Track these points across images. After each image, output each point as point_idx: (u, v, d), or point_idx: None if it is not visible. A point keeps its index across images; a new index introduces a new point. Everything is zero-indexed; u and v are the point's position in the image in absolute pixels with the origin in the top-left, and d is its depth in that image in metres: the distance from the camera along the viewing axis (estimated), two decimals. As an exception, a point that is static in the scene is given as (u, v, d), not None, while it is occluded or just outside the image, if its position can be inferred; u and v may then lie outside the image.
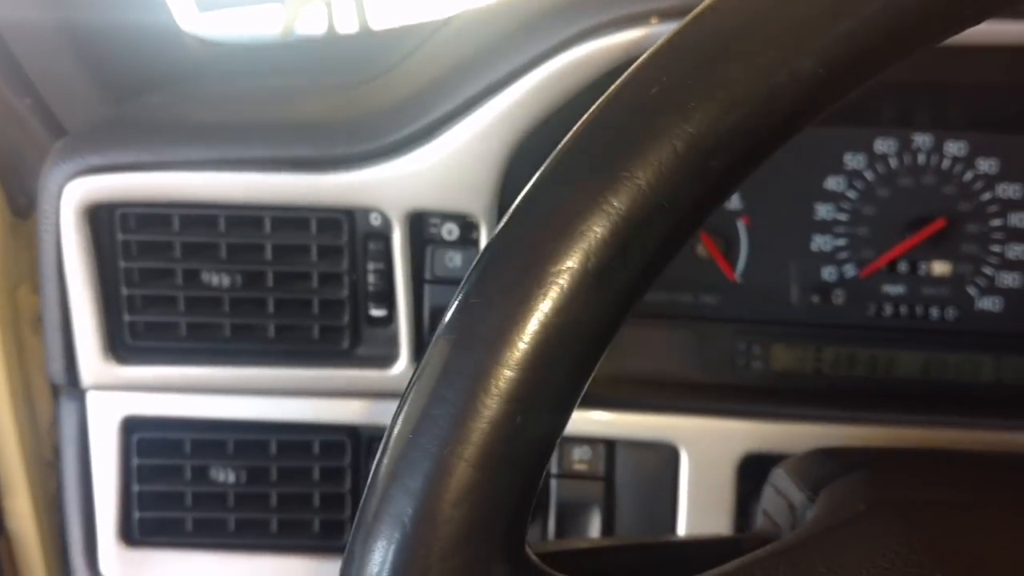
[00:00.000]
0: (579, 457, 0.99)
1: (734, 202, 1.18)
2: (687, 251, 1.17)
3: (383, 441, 0.45)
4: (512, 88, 0.88)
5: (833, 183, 1.18)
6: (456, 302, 0.44)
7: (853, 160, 1.18)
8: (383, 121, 0.94)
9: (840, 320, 1.17)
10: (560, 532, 0.98)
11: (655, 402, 0.99)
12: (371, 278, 0.97)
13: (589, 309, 0.42)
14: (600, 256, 0.44)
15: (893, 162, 1.17)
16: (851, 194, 1.17)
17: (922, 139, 1.17)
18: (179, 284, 0.97)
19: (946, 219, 1.13)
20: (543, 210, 0.43)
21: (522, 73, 0.88)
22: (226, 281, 0.95)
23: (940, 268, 1.16)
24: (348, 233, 0.97)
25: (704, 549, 0.71)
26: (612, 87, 0.47)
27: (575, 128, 0.47)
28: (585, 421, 0.98)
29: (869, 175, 1.17)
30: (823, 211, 1.17)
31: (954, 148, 1.17)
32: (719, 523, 0.95)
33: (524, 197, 0.45)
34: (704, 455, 0.96)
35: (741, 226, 1.18)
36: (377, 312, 1.01)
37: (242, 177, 0.94)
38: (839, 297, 1.17)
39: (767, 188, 1.18)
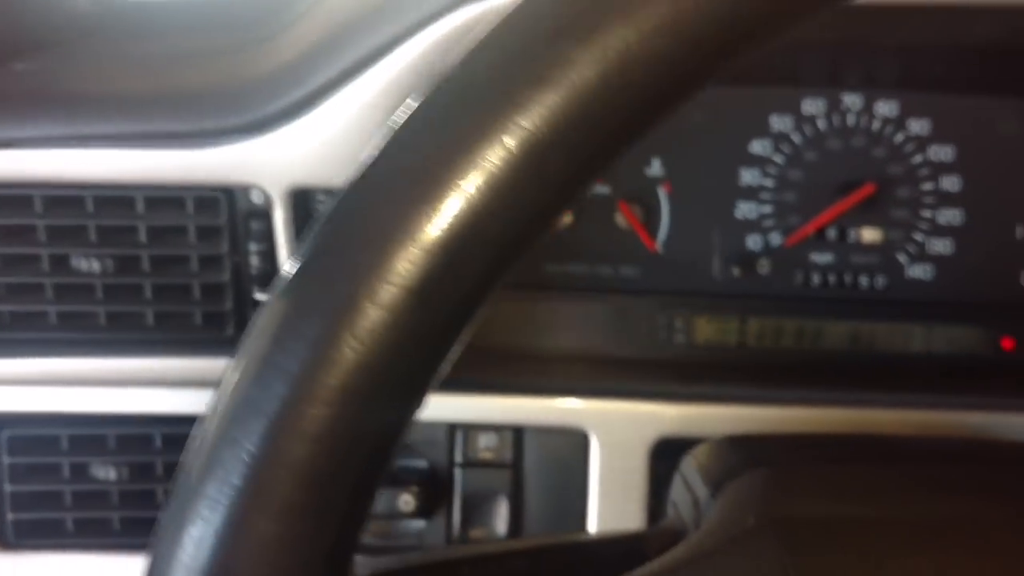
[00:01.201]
0: (485, 444, 0.94)
1: (655, 168, 1.12)
2: (606, 220, 1.11)
3: (192, 443, 0.39)
4: (397, 54, 0.81)
5: (758, 147, 1.13)
6: (275, 297, 0.38)
7: (779, 122, 1.12)
8: (262, 90, 0.87)
9: (766, 290, 1.12)
10: (466, 523, 0.94)
11: (564, 385, 0.93)
12: (254, 260, 0.90)
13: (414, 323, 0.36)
14: (427, 276, 0.37)
15: (821, 124, 1.12)
16: (777, 158, 1.12)
17: (851, 99, 1.12)
18: (46, 270, 0.90)
19: (876, 184, 1.08)
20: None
21: (407, 37, 0.81)
22: (97, 266, 0.88)
23: (870, 235, 1.12)
24: (227, 212, 0.90)
25: (589, 553, 0.66)
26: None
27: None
28: (491, 407, 0.93)
29: (796, 138, 1.12)
30: (748, 176, 1.12)
31: (885, 108, 1.12)
32: (631, 511, 0.91)
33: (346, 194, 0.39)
34: (615, 440, 0.91)
35: (662, 194, 1.12)
36: (262, 296, 0.94)
37: (107, 154, 0.86)
38: (765, 267, 1.12)
39: (689, 153, 1.13)
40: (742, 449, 0.79)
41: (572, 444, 0.96)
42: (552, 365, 1.05)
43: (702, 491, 0.74)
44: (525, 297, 1.15)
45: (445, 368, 0.42)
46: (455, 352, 0.42)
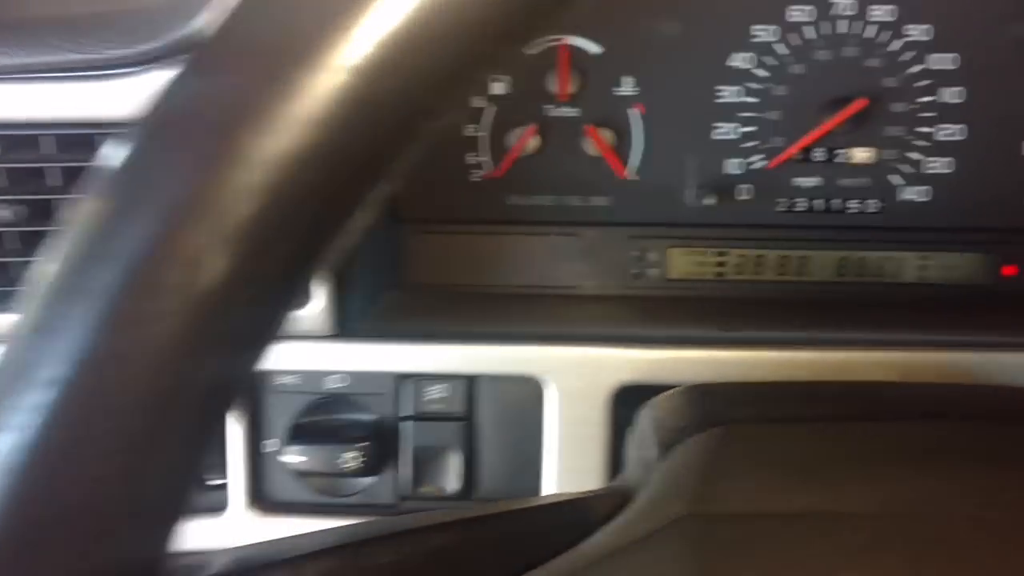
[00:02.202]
0: (435, 395, 0.88)
1: (626, 87, 1.03)
2: (573, 146, 1.04)
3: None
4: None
5: (739, 60, 1.04)
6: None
7: (763, 32, 1.02)
8: (177, 10, 0.77)
9: (746, 219, 1.04)
10: (416, 480, 0.88)
11: (519, 331, 0.86)
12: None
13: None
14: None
15: (809, 32, 1.02)
16: (760, 72, 1.03)
17: (843, 3, 1.00)
18: (-48, 220, 0.83)
19: (868, 98, 0.98)
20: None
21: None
22: (6, 214, 0.80)
23: (861, 155, 1.03)
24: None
25: (523, 525, 0.60)
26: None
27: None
28: (441, 355, 0.87)
29: (781, 49, 1.02)
30: (728, 94, 1.03)
31: (880, 13, 1.02)
32: (590, 465, 0.86)
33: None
34: (572, 388, 0.86)
35: (634, 115, 1.03)
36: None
37: (9, 89, 0.78)
38: (745, 193, 1.04)
39: (663, 70, 1.04)
40: (699, 402, 0.72)
41: (527, 393, 0.89)
42: (509, 308, 0.99)
43: (651, 451, 0.69)
44: (486, 232, 1.07)
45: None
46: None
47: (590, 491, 0.68)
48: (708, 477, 0.54)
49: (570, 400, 0.88)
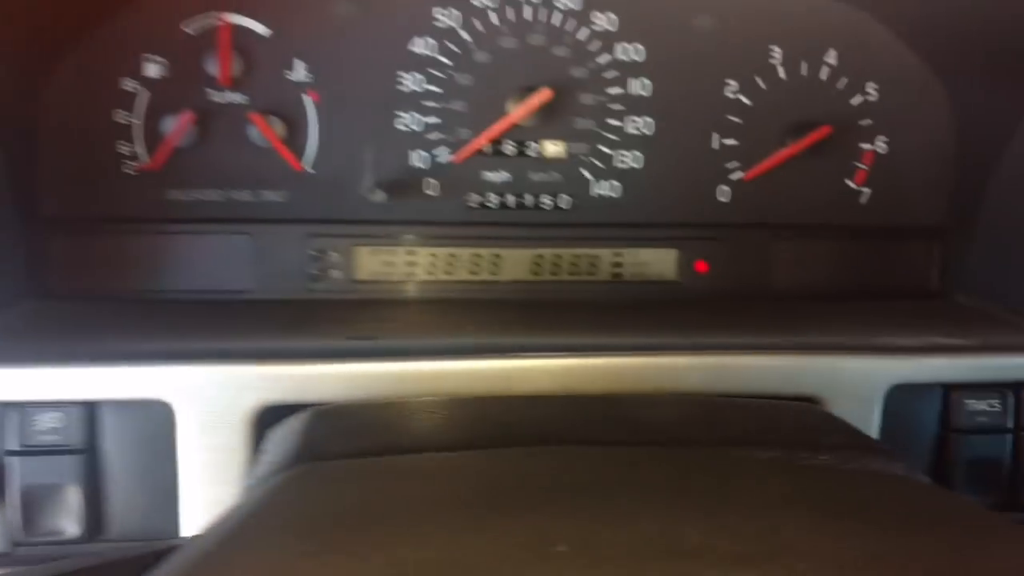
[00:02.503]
0: (47, 426, 0.75)
1: (299, 73, 0.93)
2: (238, 137, 0.93)
3: None
4: None
5: (421, 46, 0.96)
6: None
7: (445, 16, 0.95)
8: None
9: (435, 215, 0.98)
10: (28, 524, 0.76)
11: (143, 349, 0.75)
12: None
13: None
14: None
15: (494, 18, 0.96)
16: (443, 59, 0.95)
17: (527, -12, 0.95)
18: None
19: (555, 89, 0.92)
20: None
21: None
22: None
23: (551, 148, 0.98)
24: None
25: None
26: None
27: None
28: (52, 380, 0.74)
29: (465, 35, 0.94)
30: (410, 81, 0.95)
31: (567, 0, 0.96)
32: (230, 493, 0.74)
33: None
34: (206, 412, 0.75)
35: (308, 103, 0.94)
36: None
37: None
38: (432, 187, 0.96)
39: (340, 54, 0.95)
40: (308, 430, 0.64)
41: (158, 419, 0.78)
42: (149, 320, 0.87)
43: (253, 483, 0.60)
44: (142, 231, 0.95)
45: None
46: None
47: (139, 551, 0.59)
48: (271, 529, 0.46)
49: (206, 425, 0.78)
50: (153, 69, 0.95)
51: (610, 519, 0.47)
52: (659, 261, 1.05)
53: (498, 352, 0.82)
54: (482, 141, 1.00)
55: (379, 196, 0.98)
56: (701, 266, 1.05)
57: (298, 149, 0.98)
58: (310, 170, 0.99)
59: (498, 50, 1.00)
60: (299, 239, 1.00)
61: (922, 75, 1.05)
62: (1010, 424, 0.89)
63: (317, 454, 0.61)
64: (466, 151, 1.00)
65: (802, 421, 0.71)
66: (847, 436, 0.68)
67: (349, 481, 0.54)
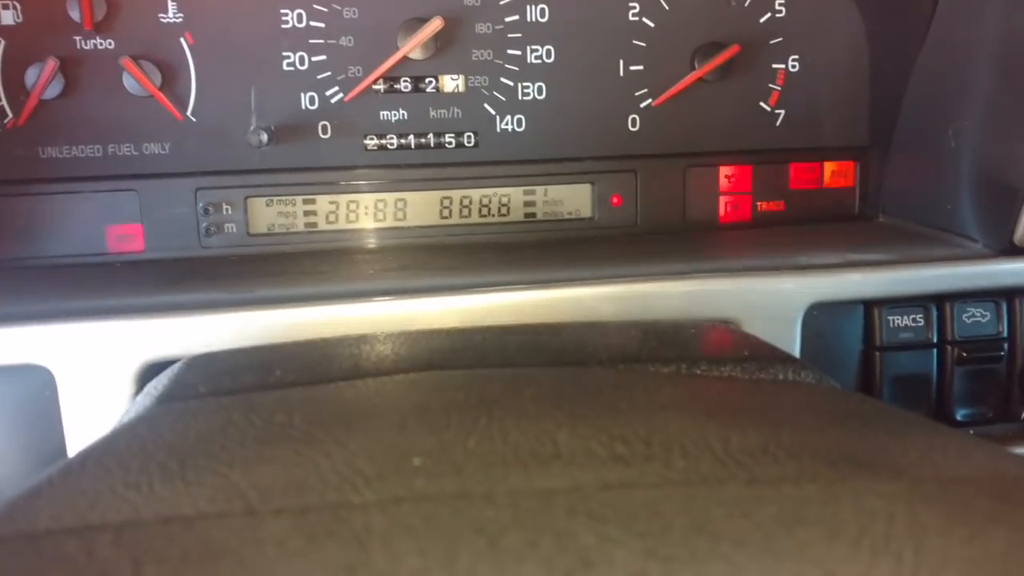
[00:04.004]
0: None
1: (171, 13, 0.87)
2: (111, 86, 0.87)
3: None
4: None
5: (302, -22, 0.90)
6: None
7: (325, -56, 0.90)
8: None
9: (332, 160, 0.94)
10: None
11: (16, 311, 0.70)
12: None
13: None
14: None
15: (377, -55, 0.90)
16: (327, -8, 0.90)
17: (410, -89, 0.91)
18: None
19: (445, 18, 0.88)
20: None
21: None
22: None
23: (450, 83, 0.93)
24: None
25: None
26: None
27: None
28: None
29: None
30: (292, 17, 0.90)
31: (454, -78, 0.92)
32: None
33: None
34: (87, 374, 0.69)
35: (184, 45, 0.88)
36: None
37: None
38: (325, 130, 0.91)
39: (213, -10, 0.89)
40: (179, 375, 0.60)
41: (38, 385, 0.73)
42: (24, 283, 0.81)
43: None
44: (12, 193, 0.89)
45: None
46: None
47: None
48: (112, 477, 0.41)
49: (85, 388, 0.73)
50: (7, 15, 0.89)
51: (477, 432, 0.43)
52: (573, 197, 1.02)
53: (399, 293, 0.78)
54: (373, 78, 0.95)
55: (262, 140, 0.92)
56: (616, 200, 1.02)
57: (178, 96, 0.93)
58: (192, 118, 0.94)
59: (385, -20, 0.95)
60: (187, 193, 0.94)
61: (830, -12, 1.02)
62: (934, 338, 0.87)
63: (182, 395, 0.57)
64: (357, 89, 0.95)
65: (709, 338, 0.69)
66: (755, 348, 0.65)
67: (200, 416, 0.50)
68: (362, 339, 0.66)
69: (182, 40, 0.92)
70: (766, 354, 0.64)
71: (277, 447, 0.43)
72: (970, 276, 0.87)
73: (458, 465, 0.39)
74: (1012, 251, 0.87)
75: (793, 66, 1.03)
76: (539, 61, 0.99)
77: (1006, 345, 0.89)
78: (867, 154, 1.06)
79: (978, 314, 0.89)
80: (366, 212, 0.98)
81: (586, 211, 1.02)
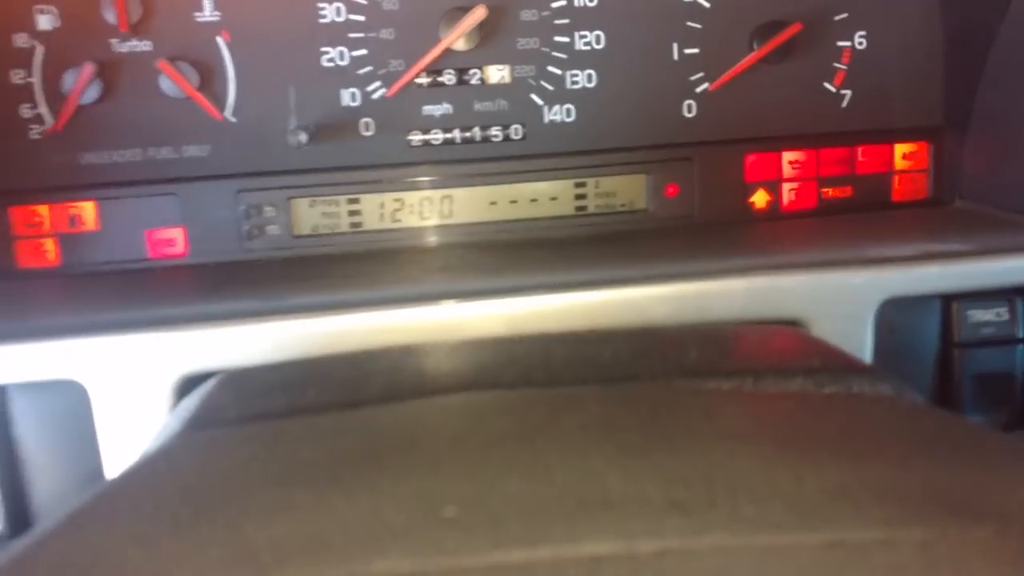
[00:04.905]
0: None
1: (207, 11, 0.83)
2: (149, 88, 0.84)
3: None
4: None
5: (339, -30, 0.86)
6: None
7: (362, -66, 0.86)
8: None
9: (375, 158, 0.91)
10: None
11: (50, 324, 0.67)
12: None
13: None
14: None
15: (417, -69, 0.86)
16: (364, -16, 0.86)
17: None
18: None
19: (488, 6, 0.83)
20: None
21: None
22: None
23: (496, 74, 0.88)
24: None
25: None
26: None
27: None
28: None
29: None
30: (331, 12, 0.86)
31: (495, -95, 0.87)
32: None
33: None
34: (122, 390, 0.67)
35: (222, 44, 0.85)
36: None
37: None
38: (368, 127, 0.87)
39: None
40: (211, 396, 0.56)
41: (73, 399, 0.71)
42: (62, 294, 0.79)
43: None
44: (56, 201, 0.87)
45: None
46: None
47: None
48: (128, 506, 0.38)
49: (122, 404, 0.71)
50: (46, 21, 0.86)
51: (518, 472, 0.39)
52: (626, 189, 0.96)
53: (443, 298, 0.74)
54: (416, 71, 0.91)
55: (301, 140, 0.88)
56: (672, 190, 0.96)
57: (217, 97, 0.90)
58: (232, 119, 0.90)
59: (424, -33, 0.90)
60: (229, 195, 0.91)
61: (899, -42, 0.94)
62: (1019, 334, 0.80)
63: (210, 421, 0.53)
64: (400, 83, 0.91)
65: (774, 345, 0.63)
66: (826, 358, 0.60)
67: (223, 450, 0.46)
68: (400, 353, 0.61)
69: (219, 39, 0.89)
70: (839, 364, 0.58)
71: (300, 490, 0.39)
72: (1059, 266, 0.79)
73: (496, 516, 0.35)
74: (1105, 238, 0.80)
75: (860, 43, 0.96)
76: (588, 48, 0.93)
77: (1097, 339, 0.81)
78: (942, 135, 0.98)
79: (1068, 307, 0.81)
80: (411, 211, 0.94)
81: (640, 203, 0.96)
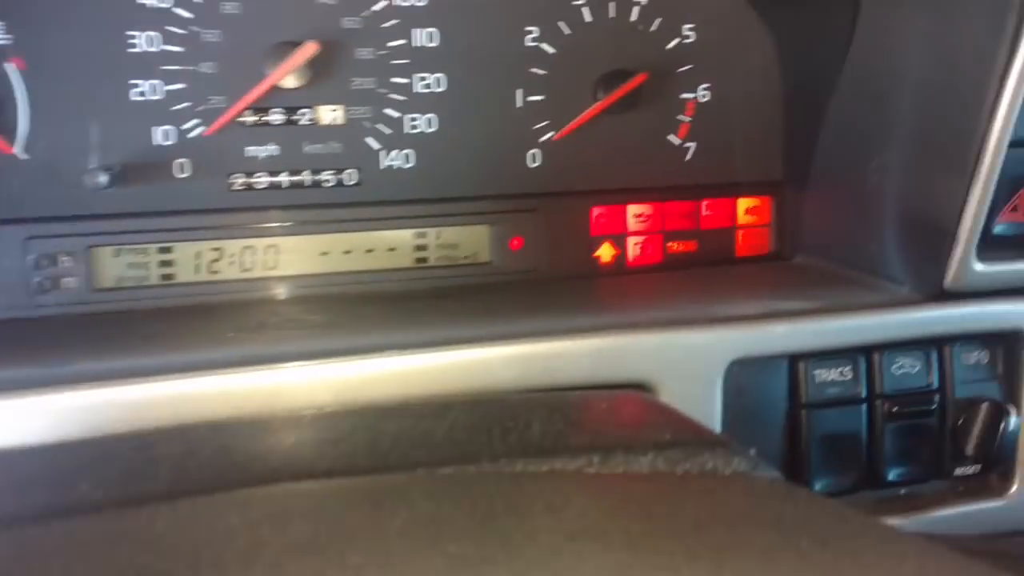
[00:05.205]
0: None
1: (-5, 33, 0.73)
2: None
3: None
4: None
5: (154, -4, 0.77)
6: None
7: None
8: None
9: (192, 202, 0.82)
10: None
11: None
12: None
13: None
14: None
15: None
16: (183, 12, 0.77)
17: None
18: None
19: (320, 42, 0.76)
20: None
21: None
22: None
23: (329, 114, 0.80)
24: None
25: None
26: None
27: None
28: None
29: None
30: (143, 41, 0.76)
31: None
32: None
33: None
34: None
35: (12, 72, 0.74)
36: None
37: None
38: (184, 168, 0.78)
39: (50, 10, 0.75)
40: None
41: None
42: None
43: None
44: None
45: None
46: None
47: None
48: None
49: None
50: None
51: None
52: (469, 240, 0.90)
53: (258, 363, 0.65)
54: (239, 108, 0.82)
55: (101, 181, 0.78)
56: (516, 243, 0.91)
57: (6, 130, 0.78)
58: (23, 155, 0.79)
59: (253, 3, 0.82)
60: (16, 242, 0.80)
61: (741, 12, 0.94)
62: (863, 393, 0.79)
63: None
64: (220, 121, 0.82)
65: (622, 415, 0.58)
66: (677, 430, 0.55)
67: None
68: (199, 432, 0.52)
69: (10, 65, 0.78)
70: (691, 436, 0.54)
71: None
72: (899, 324, 0.79)
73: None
74: (942, 296, 0.80)
75: (703, 96, 0.95)
76: (428, 90, 0.87)
77: (937, 397, 0.81)
78: (783, 190, 0.98)
79: (908, 365, 0.81)
80: (231, 261, 0.85)
81: (484, 255, 0.91)
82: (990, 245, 0.78)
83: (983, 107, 0.72)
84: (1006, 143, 0.73)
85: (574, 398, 0.60)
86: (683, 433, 0.54)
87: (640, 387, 0.71)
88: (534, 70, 0.89)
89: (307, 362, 0.66)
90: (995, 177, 0.74)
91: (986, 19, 0.72)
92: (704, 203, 0.97)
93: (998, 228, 0.78)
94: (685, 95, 0.94)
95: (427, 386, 0.67)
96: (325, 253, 0.87)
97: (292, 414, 0.57)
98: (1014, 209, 0.78)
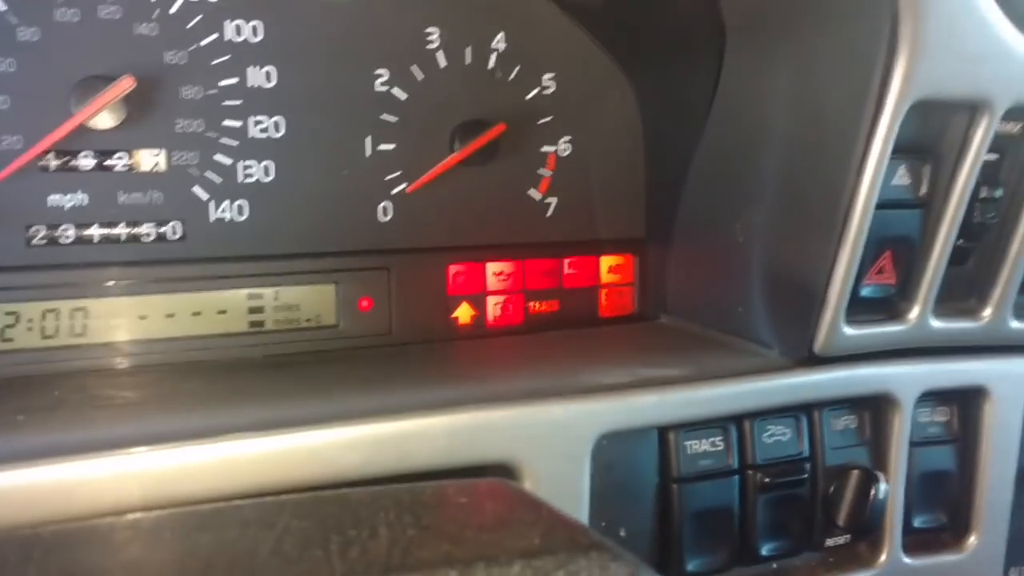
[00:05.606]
0: None
1: None
2: None
3: None
4: None
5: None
6: None
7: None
8: None
9: None
10: None
11: None
12: None
13: None
14: None
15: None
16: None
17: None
18: None
19: (137, 78, 0.65)
20: None
21: None
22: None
23: (149, 160, 0.70)
24: None
25: None
26: None
27: None
28: None
29: (15, 19, 0.65)
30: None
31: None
32: None
33: None
34: None
35: None
36: None
37: None
38: (-31, 220, 0.66)
39: None
40: None
41: None
42: None
43: None
44: None
45: None
46: None
47: None
48: None
49: None
50: None
51: None
52: (312, 302, 0.81)
53: (45, 457, 0.54)
54: (38, 150, 0.71)
55: None
56: (366, 304, 0.83)
57: None
58: None
59: (53, 25, 0.71)
60: None
61: (602, 64, 0.90)
62: (735, 463, 0.74)
63: None
64: (15, 165, 0.70)
65: (483, 512, 0.50)
66: (547, 531, 0.47)
67: None
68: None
69: None
70: (562, 538, 0.46)
71: None
72: (770, 391, 0.75)
73: None
74: (811, 361, 0.76)
75: (564, 149, 0.89)
76: (265, 135, 0.78)
77: (808, 465, 0.78)
78: (645, 246, 0.94)
79: (778, 432, 0.77)
80: (29, 327, 0.73)
81: (329, 318, 0.82)
82: (858, 308, 0.75)
83: (850, 167, 0.69)
84: (873, 204, 0.70)
85: (428, 492, 0.52)
86: (554, 535, 0.46)
87: (503, 467, 0.63)
88: (385, 117, 0.82)
89: (109, 452, 0.55)
90: (863, 239, 0.71)
91: (850, 78, 0.70)
92: (566, 261, 0.91)
93: (865, 291, 0.76)
94: (546, 148, 0.89)
95: (256, 478, 0.57)
96: (143, 317, 0.76)
97: (81, 523, 0.46)
98: (879, 272, 0.76)
